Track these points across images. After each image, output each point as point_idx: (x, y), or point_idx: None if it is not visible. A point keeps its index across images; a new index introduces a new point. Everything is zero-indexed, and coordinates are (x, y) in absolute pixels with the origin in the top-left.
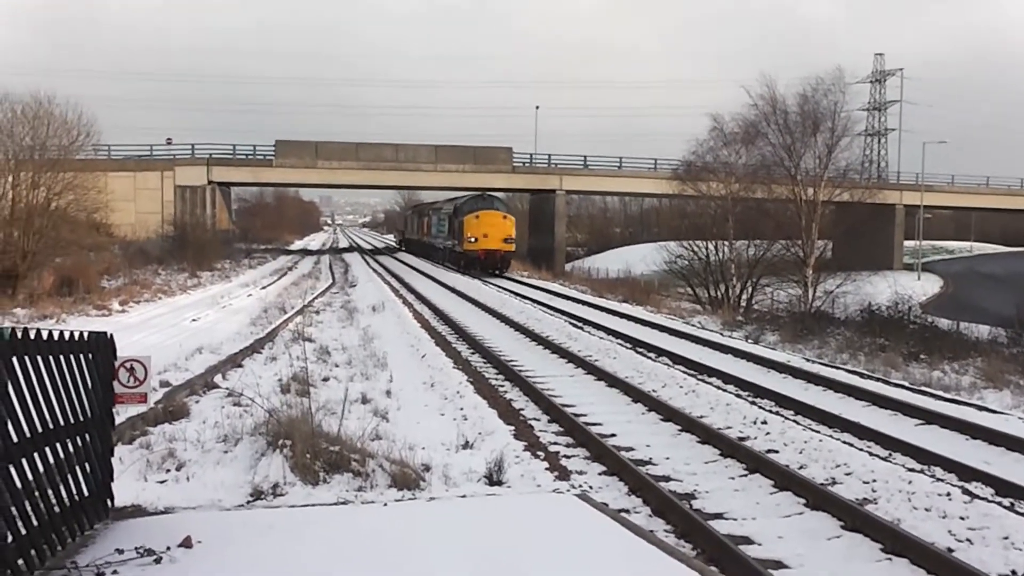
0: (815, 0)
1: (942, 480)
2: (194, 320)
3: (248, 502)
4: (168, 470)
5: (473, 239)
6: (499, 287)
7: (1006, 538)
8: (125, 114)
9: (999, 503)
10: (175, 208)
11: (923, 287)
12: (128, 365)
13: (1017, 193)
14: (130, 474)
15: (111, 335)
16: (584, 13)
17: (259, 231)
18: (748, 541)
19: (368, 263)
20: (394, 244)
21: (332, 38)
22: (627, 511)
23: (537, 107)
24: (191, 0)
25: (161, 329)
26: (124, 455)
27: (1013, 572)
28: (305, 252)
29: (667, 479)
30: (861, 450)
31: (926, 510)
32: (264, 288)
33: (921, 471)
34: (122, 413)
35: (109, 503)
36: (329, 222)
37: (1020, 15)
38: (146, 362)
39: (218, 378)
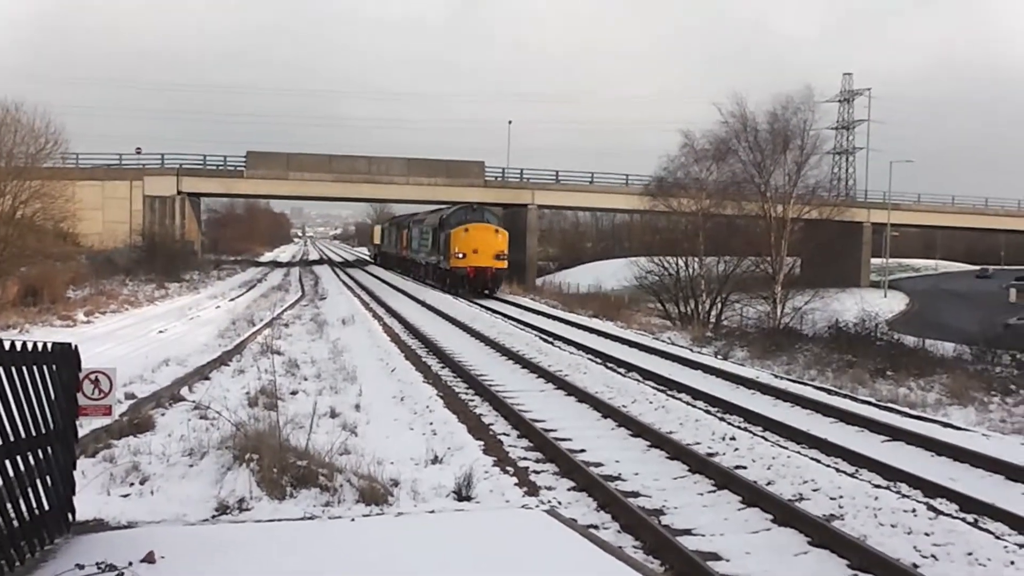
0: (786, 18)
1: (908, 496)
2: (161, 332)
3: (213, 517)
4: (132, 484)
5: (461, 255)
6: (471, 301)
7: (970, 554)
8: (94, 122)
9: (963, 519)
10: (144, 218)
11: (889, 304)
12: (93, 377)
13: (982, 212)
14: (93, 488)
15: (76, 346)
16: (558, 32)
17: (229, 242)
18: (716, 557)
19: (339, 276)
20: (367, 257)
21: (306, 49)
22: (596, 527)
23: (510, 121)
24: (160, 7)
25: (127, 340)
26: (87, 468)
27: None
28: (275, 264)
29: (636, 495)
30: (828, 466)
31: (892, 526)
32: (233, 300)
33: (887, 487)
34: (86, 425)
35: (70, 517)
36: (300, 234)
37: (985, 37)
38: (111, 374)
39: (185, 391)
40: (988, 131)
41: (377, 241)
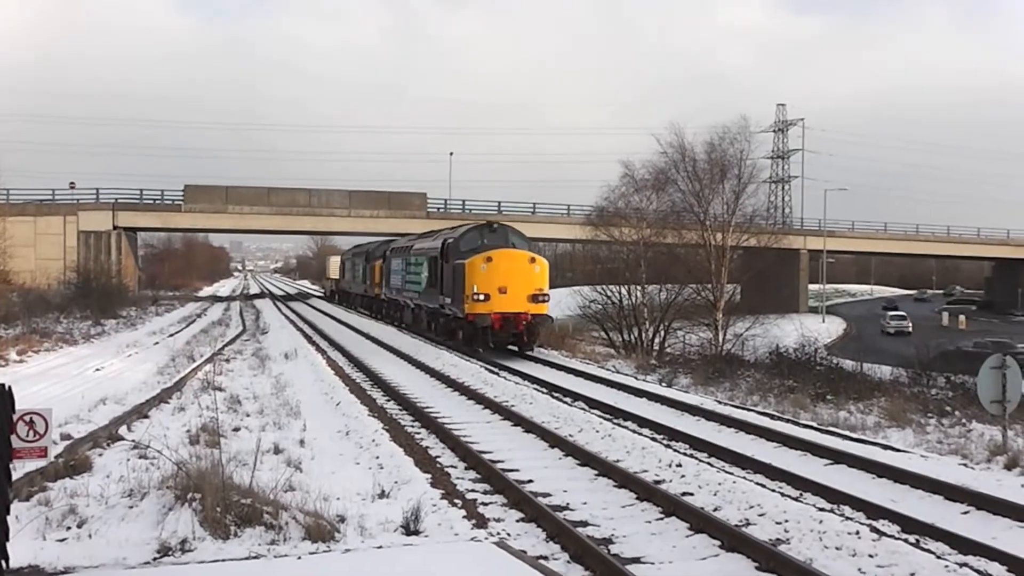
0: (726, 53)
1: (851, 519)
2: (98, 370)
3: (155, 559)
4: (69, 527)
5: (482, 296)
6: (402, 328)
7: (913, 574)
8: (24, 158)
9: (905, 540)
10: (78, 254)
11: (828, 329)
12: (27, 418)
13: (913, 238)
14: (27, 533)
15: (8, 386)
16: (500, 67)
17: (167, 277)
18: None
19: (280, 310)
20: (309, 290)
21: (245, 84)
22: (546, 558)
23: (451, 153)
24: (91, 41)
25: (62, 379)
26: (21, 513)
27: None
28: (215, 299)
29: (585, 524)
30: (773, 491)
31: (837, 549)
32: (172, 336)
33: (831, 510)
34: (19, 468)
35: (4, 564)
36: (240, 268)
37: (913, 68)
38: (46, 414)
39: (123, 430)
40: (917, 159)
41: (333, 275)
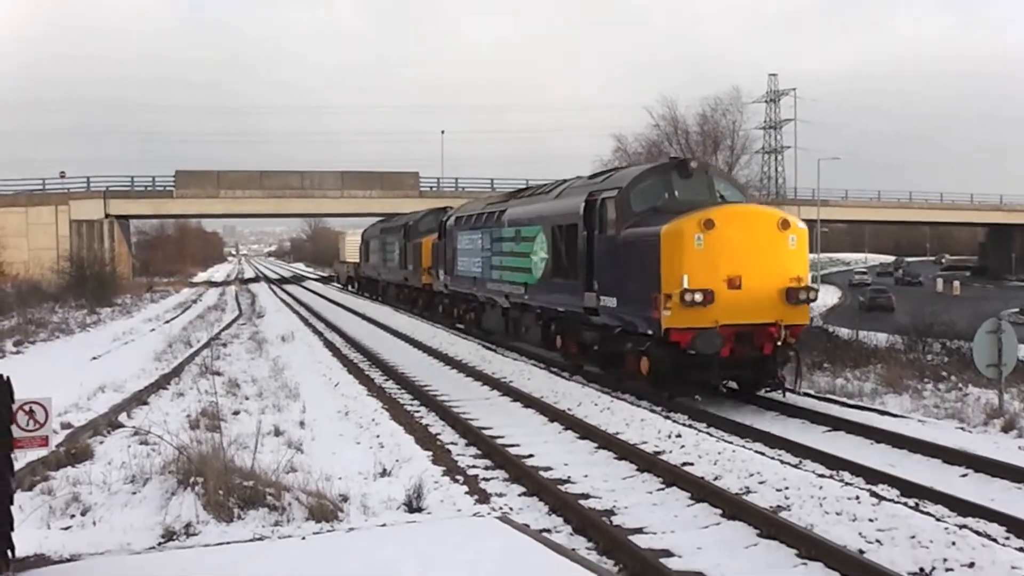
0: (713, 22)
1: (851, 484)
2: (95, 358)
3: (160, 544)
4: (73, 515)
5: (698, 296)
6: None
7: (913, 537)
8: (13, 148)
9: (905, 503)
10: (71, 243)
11: (823, 298)
12: (27, 408)
13: (906, 206)
14: (31, 522)
15: (7, 377)
16: (490, 41)
17: (161, 264)
18: (668, 554)
19: (276, 294)
20: (304, 273)
21: (235, 65)
22: (548, 531)
23: (443, 131)
24: (80, 27)
25: (60, 369)
26: (24, 502)
27: (921, 570)
28: (210, 284)
29: (586, 496)
30: (773, 459)
31: (837, 514)
32: (168, 322)
33: (831, 476)
34: (21, 458)
35: (10, 554)
36: (234, 252)
37: (905, 37)
38: (46, 404)
39: (123, 417)
40: (910, 128)
41: (350, 258)
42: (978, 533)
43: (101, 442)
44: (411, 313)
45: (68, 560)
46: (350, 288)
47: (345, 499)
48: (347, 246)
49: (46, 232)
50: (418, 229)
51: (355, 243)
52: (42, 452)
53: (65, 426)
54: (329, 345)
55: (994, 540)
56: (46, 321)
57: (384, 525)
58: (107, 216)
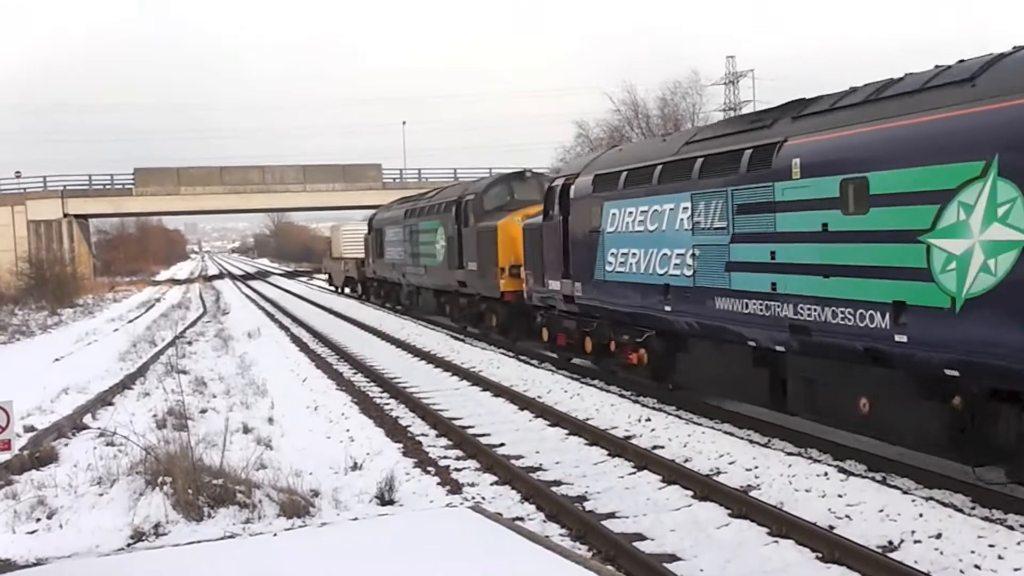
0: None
1: (819, 461)
2: (58, 360)
3: (129, 545)
4: (38, 519)
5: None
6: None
7: (881, 511)
8: None
9: (872, 478)
10: (29, 244)
11: None
12: None
13: None
14: None
15: None
16: (450, 34)
17: (123, 263)
18: (641, 537)
19: (240, 289)
20: (269, 268)
21: (192, 64)
22: (522, 519)
23: (404, 122)
24: (32, 26)
25: (22, 371)
26: None
27: (890, 542)
28: (173, 282)
29: (559, 483)
30: (742, 439)
31: (807, 491)
32: (131, 322)
33: (799, 454)
34: None
35: None
36: (196, 250)
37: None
38: (7, 407)
39: (88, 418)
40: None
41: (350, 253)
42: (944, 504)
43: (66, 444)
44: (466, 334)
45: (35, 564)
46: (347, 292)
47: (316, 494)
48: (339, 238)
49: (3, 234)
50: (482, 206)
51: (355, 234)
52: (4, 456)
53: (28, 429)
54: (296, 340)
55: (960, 511)
56: (6, 324)
57: (356, 519)
58: (65, 216)
